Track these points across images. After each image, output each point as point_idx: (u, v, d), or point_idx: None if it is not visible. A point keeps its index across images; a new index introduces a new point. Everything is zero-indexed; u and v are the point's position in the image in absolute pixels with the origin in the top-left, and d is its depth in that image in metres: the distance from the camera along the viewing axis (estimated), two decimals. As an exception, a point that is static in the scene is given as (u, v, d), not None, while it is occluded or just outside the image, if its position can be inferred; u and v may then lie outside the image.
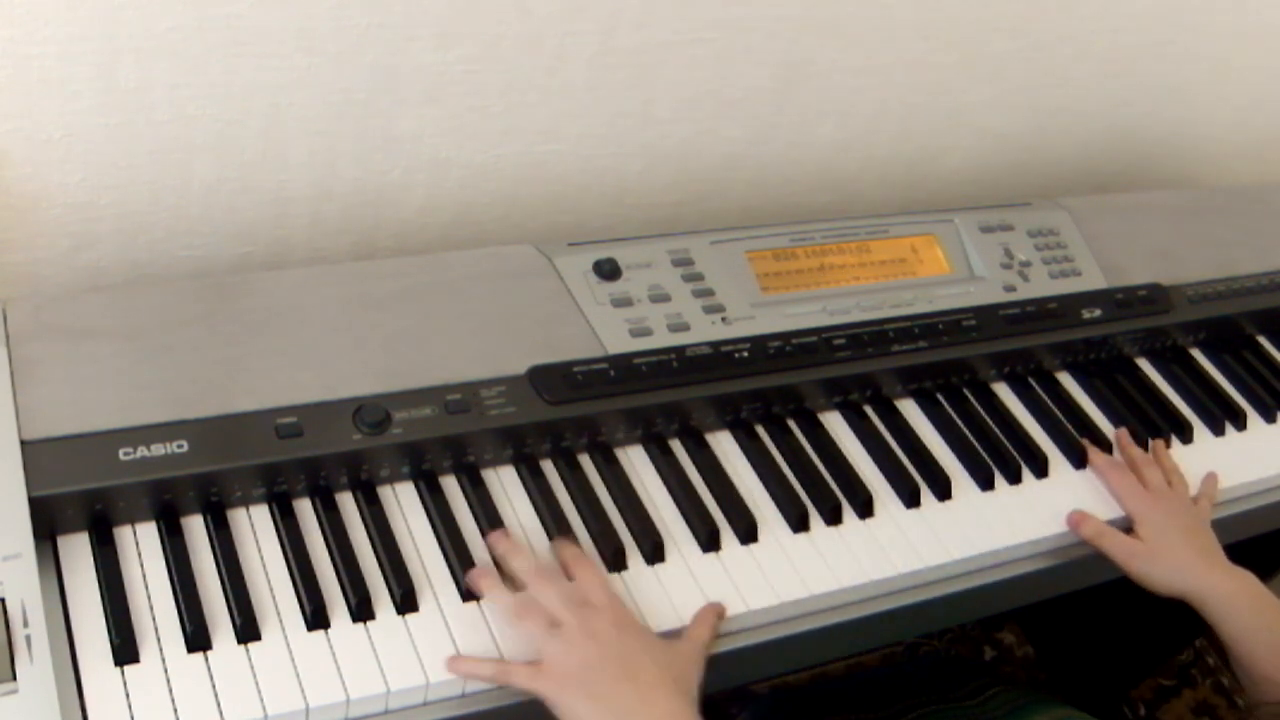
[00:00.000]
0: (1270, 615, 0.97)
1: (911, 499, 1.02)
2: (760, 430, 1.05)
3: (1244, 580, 0.99)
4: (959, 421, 1.11)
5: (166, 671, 0.77)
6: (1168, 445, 1.14)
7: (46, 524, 0.81)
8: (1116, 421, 1.15)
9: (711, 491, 0.98)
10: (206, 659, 0.79)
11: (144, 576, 0.82)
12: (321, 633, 0.82)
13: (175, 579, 0.82)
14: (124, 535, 0.84)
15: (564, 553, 0.89)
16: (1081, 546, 1.05)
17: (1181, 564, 1.00)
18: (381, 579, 0.86)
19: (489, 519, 0.91)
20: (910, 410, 1.11)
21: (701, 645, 0.86)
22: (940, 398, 1.13)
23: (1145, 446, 1.12)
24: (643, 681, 0.80)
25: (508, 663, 0.82)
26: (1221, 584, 0.98)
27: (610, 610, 0.84)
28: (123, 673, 0.76)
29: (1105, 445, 1.12)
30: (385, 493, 0.92)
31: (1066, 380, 1.19)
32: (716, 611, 0.89)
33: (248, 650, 0.80)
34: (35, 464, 0.80)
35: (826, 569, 0.94)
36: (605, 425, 0.98)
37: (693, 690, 0.82)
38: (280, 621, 0.82)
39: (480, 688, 0.83)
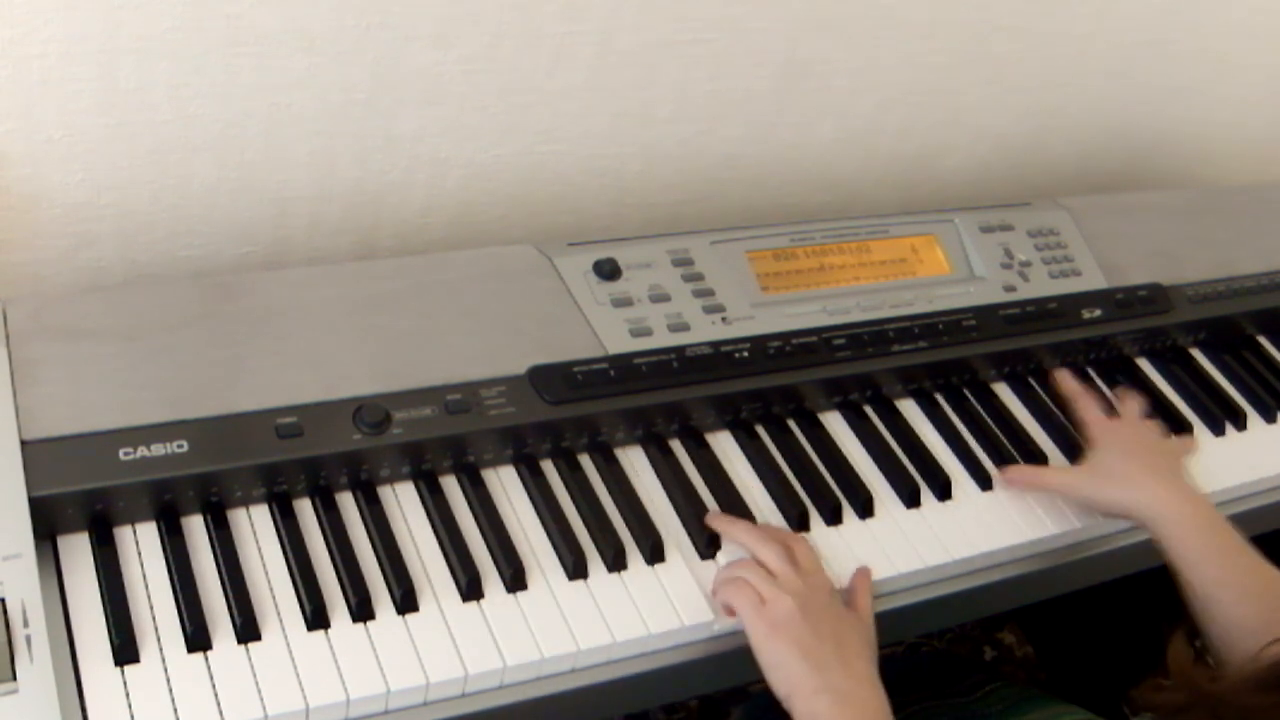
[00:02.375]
0: (1222, 538, 0.92)
1: (911, 499, 1.02)
2: (760, 430, 1.05)
3: (1198, 503, 0.94)
4: (959, 421, 1.11)
5: (166, 671, 0.77)
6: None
7: (46, 524, 0.81)
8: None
9: (711, 491, 0.98)
10: (206, 659, 0.79)
11: (144, 576, 0.82)
12: (321, 633, 0.82)
13: (175, 579, 0.82)
14: (124, 535, 0.84)
15: (777, 531, 0.93)
16: (1081, 547, 1.05)
17: (1128, 479, 0.97)
18: (381, 579, 0.86)
19: (489, 519, 0.91)
20: (910, 410, 1.11)
21: (872, 619, 0.89)
22: (940, 398, 1.13)
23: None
24: (845, 644, 0.84)
25: (742, 583, 0.86)
26: (1171, 502, 0.94)
27: (823, 576, 0.89)
28: (123, 673, 0.76)
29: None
30: (385, 493, 0.92)
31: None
32: (868, 576, 0.93)
33: (248, 650, 0.80)
34: (35, 464, 0.80)
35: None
36: (605, 425, 0.98)
37: (876, 664, 0.86)
38: (280, 621, 0.82)
39: (481, 686, 0.83)
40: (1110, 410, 1.11)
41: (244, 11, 0.94)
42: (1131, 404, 1.10)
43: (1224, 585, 0.90)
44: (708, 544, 0.94)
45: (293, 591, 0.84)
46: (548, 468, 0.97)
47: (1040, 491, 1.03)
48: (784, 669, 0.82)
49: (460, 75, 1.07)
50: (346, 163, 1.10)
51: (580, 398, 0.96)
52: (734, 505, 0.97)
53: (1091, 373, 1.20)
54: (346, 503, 0.91)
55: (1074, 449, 1.10)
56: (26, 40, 0.89)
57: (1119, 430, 1.05)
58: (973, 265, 1.18)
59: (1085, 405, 1.09)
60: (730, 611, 0.87)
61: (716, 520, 0.95)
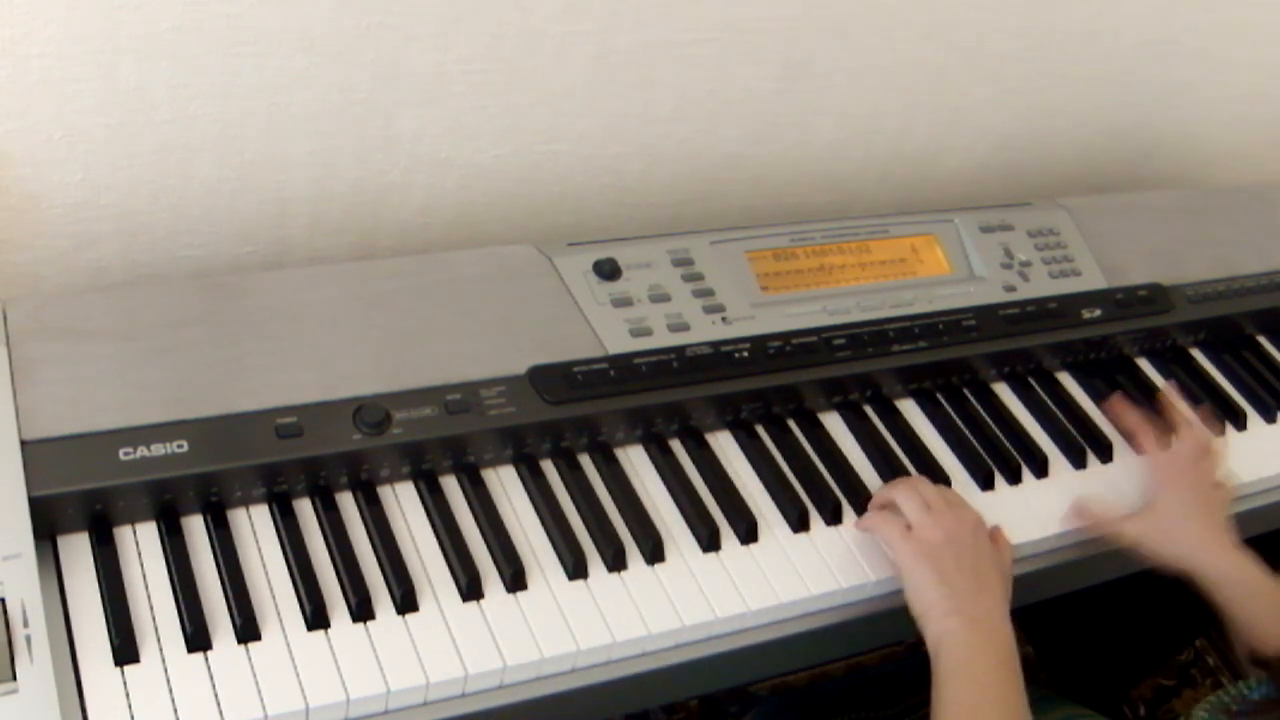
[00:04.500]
0: (1273, 598, 0.96)
1: (911, 499, 1.02)
2: (760, 430, 1.05)
3: (1251, 564, 0.98)
4: (959, 421, 1.11)
5: (166, 671, 0.77)
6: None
7: (46, 524, 0.81)
8: (1117, 421, 1.15)
9: (711, 491, 0.98)
10: (206, 659, 0.79)
11: (144, 576, 0.82)
12: (321, 633, 0.82)
13: (175, 579, 0.82)
14: (124, 535, 0.84)
15: (924, 485, 0.98)
16: (1081, 547, 1.05)
17: (1193, 541, 0.99)
18: (381, 579, 0.86)
19: (489, 519, 0.91)
20: (910, 410, 1.11)
21: (1011, 561, 0.95)
22: (940, 398, 1.13)
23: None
24: (984, 577, 0.90)
25: (888, 515, 0.94)
26: (1232, 566, 0.97)
27: (972, 512, 0.95)
28: (123, 673, 0.76)
29: (1104, 446, 1.12)
30: (385, 493, 0.92)
31: (1066, 380, 1.19)
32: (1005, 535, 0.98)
33: (248, 650, 0.80)
34: (35, 464, 0.80)
35: (827, 569, 0.94)
36: (605, 425, 0.98)
37: (1009, 601, 0.91)
38: (280, 621, 0.82)
39: (481, 687, 0.83)
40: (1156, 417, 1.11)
41: (244, 11, 0.94)
42: (1189, 438, 1.08)
43: (1262, 631, 0.94)
44: (708, 542, 0.94)
45: (293, 591, 0.84)
46: (548, 468, 0.97)
47: (1104, 534, 1.03)
48: (923, 590, 0.89)
49: (460, 75, 1.07)
50: (346, 163, 1.10)
51: (580, 398, 0.96)
52: (734, 505, 0.97)
53: (1098, 382, 1.20)
54: (346, 503, 0.91)
55: (1074, 449, 1.10)
56: (26, 40, 0.89)
57: (1180, 481, 1.04)
58: (973, 265, 1.18)
59: (1149, 444, 1.08)
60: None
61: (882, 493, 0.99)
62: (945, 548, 0.90)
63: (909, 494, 0.95)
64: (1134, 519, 1.02)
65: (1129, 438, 1.11)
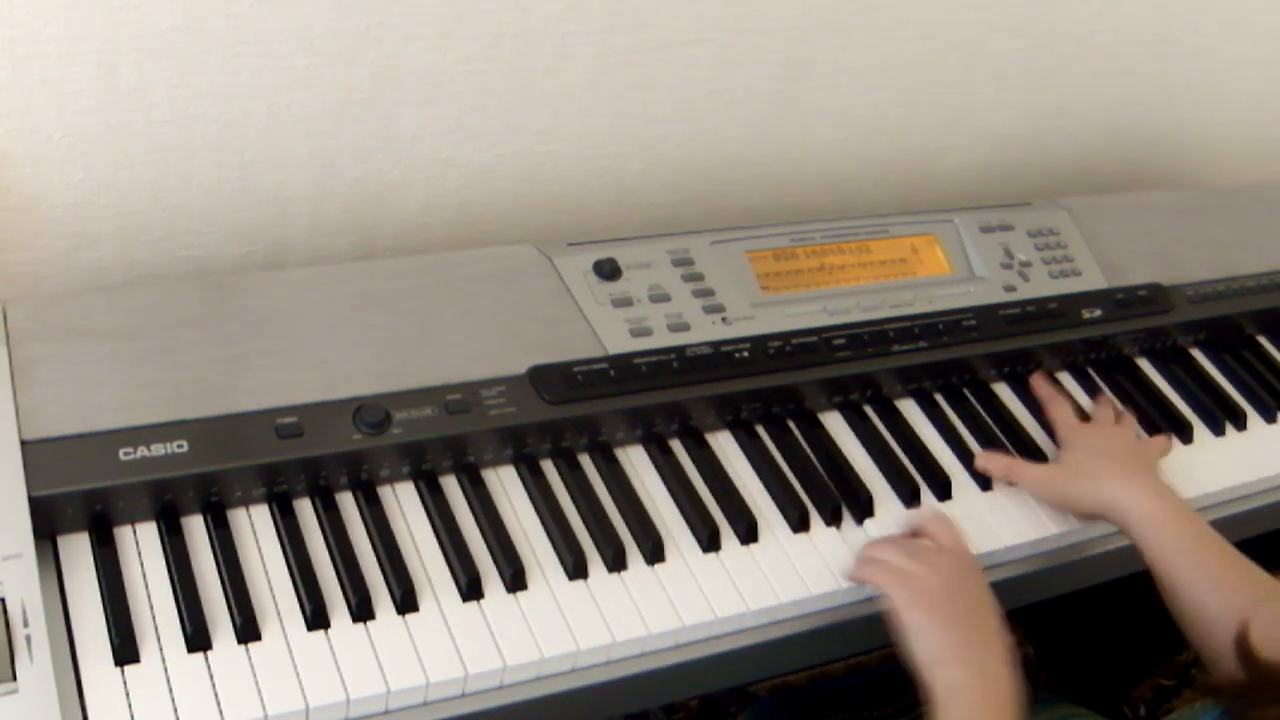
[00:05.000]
0: (1193, 530, 0.93)
1: (911, 499, 1.02)
2: (760, 430, 1.05)
3: (1167, 497, 0.96)
4: (959, 421, 1.11)
5: (166, 671, 0.77)
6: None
7: (46, 524, 0.81)
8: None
9: (711, 491, 0.98)
10: (206, 659, 0.79)
11: (144, 576, 0.82)
12: (321, 633, 0.82)
13: (175, 579, 0.82)
14: (124, 535, 0.84)
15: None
16: (1081, 547, 1.05)
17: (1097, 478, 0.98)
18: (381, 579, 0.86)
19: (489, 519, 0.91)
20: (910, 410, 1.11)
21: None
22: (940, 398, 1.13)
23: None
24: (989, 623, 0.87)
25: (882, 561, 0.90)
26: (1141, 498, 0.95)
27: (967, 556, 0.93)
28: (123, 673, 0.76)
29: (1105, 445, 1.12)
30: (385, 493, 0.92)
31: (1066, 380, 1.19)
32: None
33: (248, 650, 0.80)
34: (35, 464, 0.80)
35: (827, 569, 0.94)
36: (605, 425, 0.98)
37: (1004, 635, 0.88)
38: (280, 621, 0.82)
39: (481, 687, 0.83)
40: (1084, 415, 1.13)
41: (244, 11, 0.94)
42: (1105, 410, 1.11)
43: (1197, 576, 0.91)
44: (708, 542, 0.94)
45: (293, 591, 0.84)
46: (548, 468, 0.97)
47: (1013, 483, 1.04)
48: (925, 637, 0.85)
49: (460, 75, 1.07)
50: (346, 163, 1.10)
51: (580, 398, 0.96)
52: (734, 505, 0.97)
53: (1092, 372, 1.20)
54: (346, 503, 0.91)
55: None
56: (26, 40, 0.89)
57: (1090, 432, 1.07)
58: (973, 265, 1.18)
59: (1057, 407, 1.10)
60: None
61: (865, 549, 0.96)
62: (945, 593, 0.87)
63: (897, 544, 0.92)
64: (1037, 466, 1.03)
65: (1044, 405, 1.12)
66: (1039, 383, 1.15)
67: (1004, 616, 0.89)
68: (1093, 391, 1.18)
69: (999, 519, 1.02)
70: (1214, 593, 0.90)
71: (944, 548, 0.92)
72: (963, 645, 0.84)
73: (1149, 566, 0.94)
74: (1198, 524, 0.95)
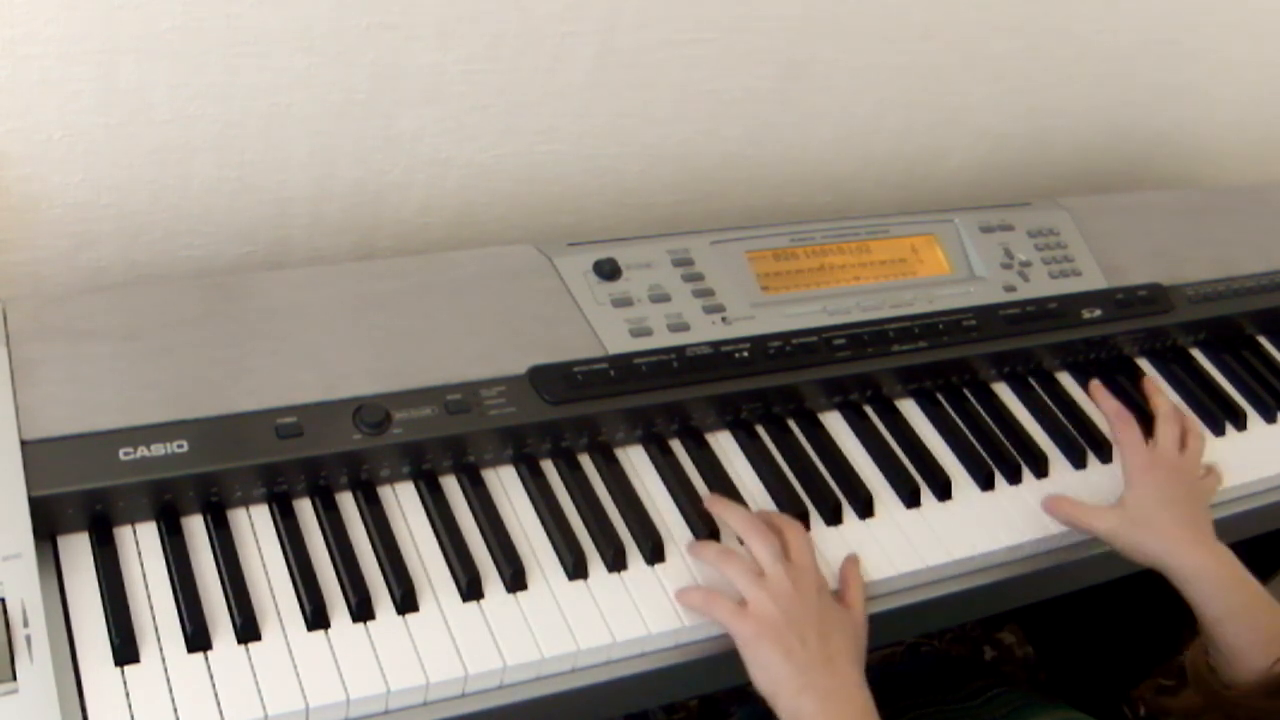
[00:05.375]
0: (1248, 593, 0.94)
1: (911, 499, 1.02)
2: (760, 430, 1.05)
3: (1225, 560, 0.96)
4: (959, 421, 1.11)
5: (166, 671, 0.77)
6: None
7: (46, 524, 0.81)
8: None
9: (712, 491, 0.98)
10: (206, 659, 0.79)
11: (144, 576, 0.82)
12: (321, 633, 0.82)
13: (175, 579, 0.82)
14: (124, 535, 0.84)
15: (774, 517, 0.94)
16: (1081, 547, 1.05)
17: (1164, 535, 0.97)
18: (381, 579, 0.86)
19: (489, 519, 0.91)
20: (910, 410, 1.11)
21: (864, 614, 0.89)
22: (940, 398, 1.13)
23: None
24: (832, 645, 0.84)
25: (717, 595, 0.87)
26: (1204, 562, 0.95)
27: (813, 573, 0.89)
28: (123, 673, 0.76)
29: (1104, 446, 1.12)
30: (385, 493, 0.92)
31: (1066, 380, 1.19)
32: (857, 565, 0.92)
33: (248, 650, 0.80)
34: (35, 464, 0.80)
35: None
36: (605, 425, 0.98)
37: (864, 659, 0.87)
38: (280, 621, 0.82)
39: (481, 687, 0.83)
40: (1143, 418, 1.10)
41: (244, 11, 0.94)
42: (1170, 428, 1.07)
43: (1246, 639, 0.92)
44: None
45: (293, 591, 0.84)
46: (548, 468, 0.97)
47: (1078, 529, 1.02)
48: (767, 670, 0.83)
49: (460, 75, 1.07)
50: (346, 163, 1.10)
51: (580, 398, 0.96)
52: (734, 505, 0.97)
53: (1098, 382, 1.20)
54: (346, 503, 0.91)
55: (1074, 449, 1.10)
56: (26, 40, 0.89)
57: (1156, 471, 1.02)
58: (973, 265, 1.18)
59: (1125, 431, 1.05)
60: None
61: (715, 503, 0.95)
62: (786, 622, 0.84)
63: (737, 566, 0.88)
64: (1106, 512, 1.01)
65: (1109, 422, 1.09)
66: (1103, 397, 1.10)
67: (1002, 616, 0.89)
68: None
69: (999, 519, 1.02)
70: (1261, 654, 0.91)
71: (794, 563, 0.88)
72: (805, 674, 0.82)
73: (1201, 623, 0.95)
74: (1250, 586, 0.95)
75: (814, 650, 0.83)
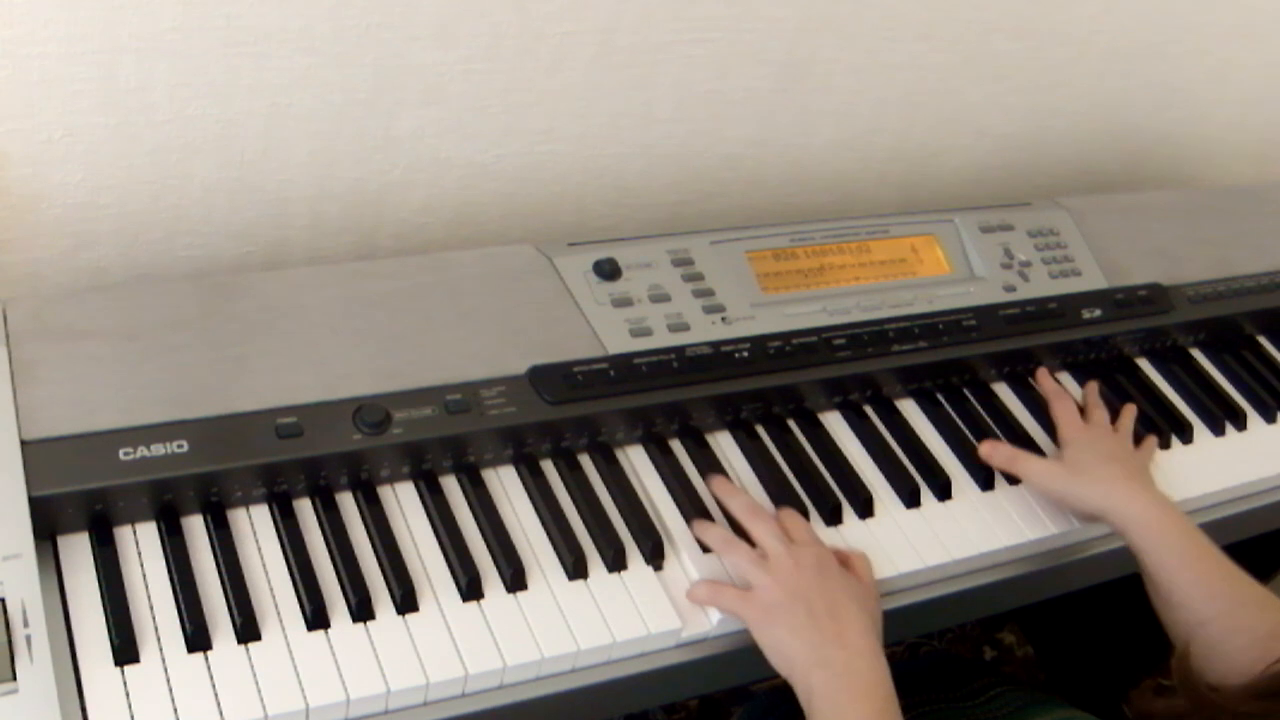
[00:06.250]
0: (1192, 540, 0.94)
1: (911, 499, 1.02)
2: (760, 430, 1.05)
3: (1168, 508, 0.97)
4: (959, 421, 1.11)
5: (166, 671, 0.77)
6: (1167, 445, 1.15)
7: (46, 524, 0.81)
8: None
9: (713, 474, 0.98)
10: (206, 659, 0.79)
11: (144, 576, 0.82)
12: (321, 633, 0.82)
13: (175, 579, 0.82)
14: (124, 535, 0.84)
15: (770, 507, 0.95)
16: (1082, 547, 1.05)
17: (1102, 482, 0.99)
18: (381, 579, 0.86)
19: (489, 519, 0.91)
20: (910, 410, 1.11)
21: (874, 583, 0.91)
22: (940, 398, 1.13)
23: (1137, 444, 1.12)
24: (841, 617, 0.85)
25: (721, 584, 0.89)
26: (1146, 507, 0.96)
27: (815, 547, 0.90)
28: (123, 673, 0.76)
29: (1105, 445, 1.12)
30: (385, 493, 0.92)
31: (1067, 380, 1.19)
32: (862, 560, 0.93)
33: (248, 650, 0.80)
34: (35, 464, 0.80)
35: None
36: (605, 425, 0.98)
37: (880, 623, 0.88)
38: (280, 621, 0.82)
39: (481, 687, 0.83)
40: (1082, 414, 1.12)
41: (244, 11, 0.94)
42: (1100, 411, 1.11)
43: (1193, 586, 0.92)
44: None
45: (293, 591, 0.84)
46: (548, 468, 0.97)
47: (1015, 473, 1.04)
48: (780, 650, 0.85)
49: (460, 75, 1.07)
50: (346, 163, 1.10)
51: (580, 398, 0.96)
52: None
53: (1092, 373, 1.20)
54: (346, 503, 0.91)
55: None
56: (26, 40, 0.89)
57: (1091, 433, 1.07)
58: (973, 265, 1.18)
59: (1062, 406, 1.10)
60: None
61: (717, 484, 0.96)
62: (792, 601, 0.85)
63: (739, 552, 0.90)
64: (1040, 459, 1.04)
65: (1046, 400, 1.12)
66: (1043, 379, 1.15)
67: (1002, 616, 0.89)
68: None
69: (999, 519, 1.02)
70: (1207, 601, 0.91)
71: (795, 540, 0.90)
72: (815, 649, 0.83)
73: (1145, 571, 0.95)
74: (1195, 535, 0.95)
75: (824, 625, 0.84)
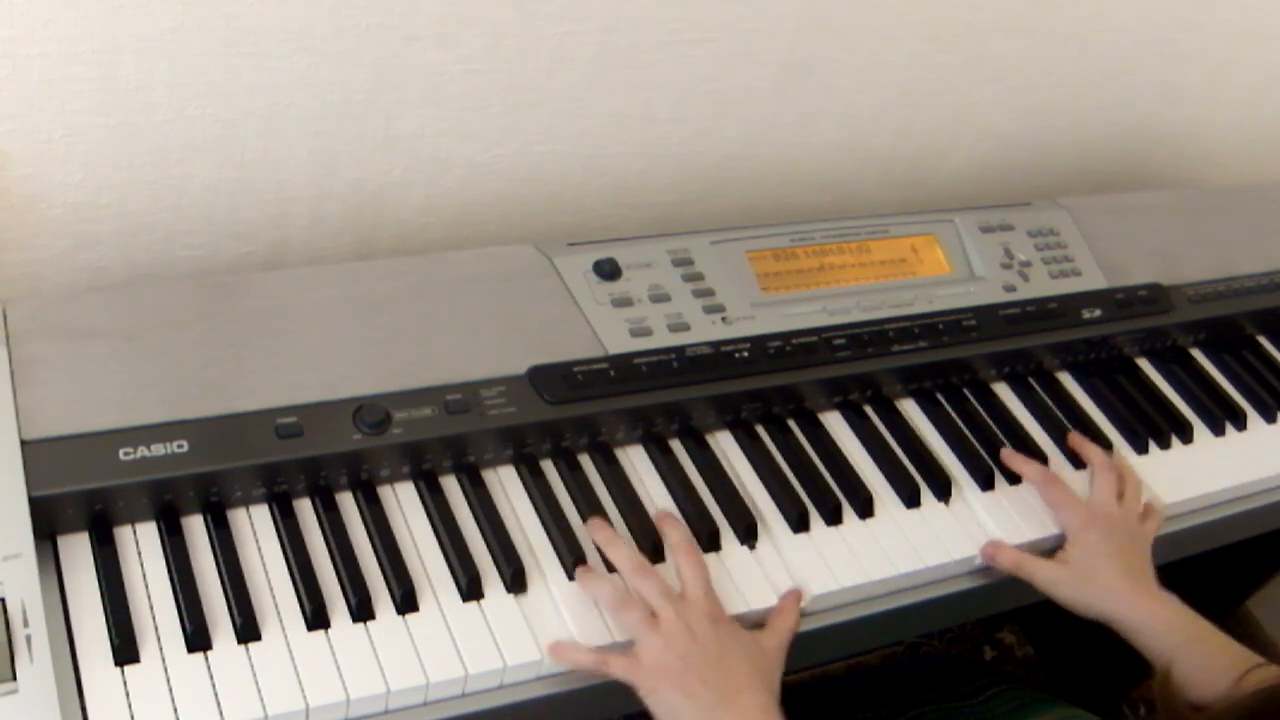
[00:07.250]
0: (1197, 627, 0.94)
1: (911, 499, 1.02)
2: (760, 430, 1.05)
3: (1171, 603, 0.96)
4: (959, 421, 1.11)
5: (166, 671, 0.77)
6: (1168, 445, 1.14)
7: (46, 524, 0.81)
8: (1116, 421, 1.15)
9: (711, 491, 0.98)
10: (206, 659, 0.79)
11: (144, 576, 0.82)
12: (321, 633, 0.82)
13: (175, 579, 0.82)
14: (124, 535, 0.84)
15: (670, 536, 0.91)
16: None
17: (1108, 589, 0.96)
18: (381, 579, 0.86)
19: (489, 519, 0.91)
20: (910, 410, 1.11)
21: (786, 637, 0.88)
22: (940, 398, 1.13)
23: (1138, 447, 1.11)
24: (733, 677, 0.82)
25: (605, 653, 0.84)
26: (1151, 611, 0.95)
27: (706, 604, 0.86)
28: (123, 673, 0.76)
29: (1103, 447, 1.11)
30: (385, 493, 0.92)
31: (1066, 380, 1.19)
32: (797, 598, 0.91)
33: (248, 650, 0.80)
34: (35, 464, 0.80)
35: (826, 569, 0.94)
36: (605, 425, 0.98)
37: (776, 684, 0.85)
38: (280, 621, 0.82)
39: (481, 687, 0.83)
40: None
41: (244, 11, 0.94)
42: (1106, 480, 1.04)
43: (1203, 670, 0.92)
44: (708, 542, 0.94)
45: (293, 591, 0.84)
46: (548, 468, 0.97)
47: (1021, 577, 0.99)
48: (671, 714, 0.82)
49: (460, 75, 1.07)
50: (346, 163, 1.10)
51: (580, 398, 0.96)
52: (734, 505, 0.97)
53: (1098, 382, 1.20)
54: (346, 503, 0.91)
55: (1073, 451, 1.10)
56: (26, 40, 0.89)
57: (1096, 525, 1.00)
58: (973, 265, 1.18)
59: (1055, 492, 1.03)
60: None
61: (598, 532, 0.91)
62: (684, 666, 0.82)
63: (629, 616, 0.85)
64: (1050, 565, 0.98)
65: (1036, 488, 1.04)
66: (1020, 462, 1.06)
67: (1002, 616, 0.89)
68: (1093, 392, 1.18)
69: (999, 520, 1.02)
70: (1212, 684, 0.91)
71: (686, 597, 0.86)
72: (706, 710, 0.81)
73: (1154, 665, 0.94)
74: (1196, 623, 0.95)
75: (715, 688, 0.81)
